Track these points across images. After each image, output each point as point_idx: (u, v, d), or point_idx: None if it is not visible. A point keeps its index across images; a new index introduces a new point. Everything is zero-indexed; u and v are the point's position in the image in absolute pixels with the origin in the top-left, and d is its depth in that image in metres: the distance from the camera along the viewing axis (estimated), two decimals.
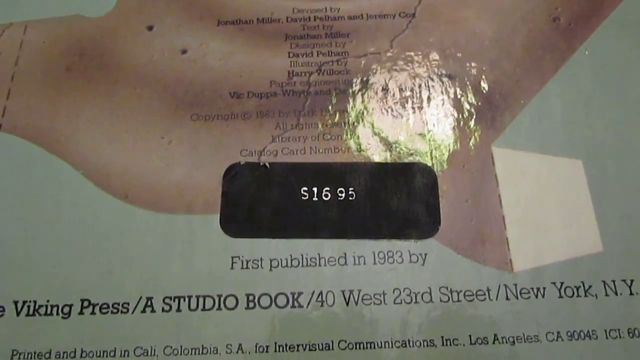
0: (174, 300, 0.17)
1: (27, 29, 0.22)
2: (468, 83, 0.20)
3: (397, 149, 0.19)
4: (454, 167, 0.19)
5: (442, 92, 0.20)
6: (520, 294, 0.17)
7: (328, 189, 0.19)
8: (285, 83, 0.20)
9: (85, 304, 0.17)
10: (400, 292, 0.17)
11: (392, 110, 0.20)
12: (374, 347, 0.17)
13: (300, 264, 0.18)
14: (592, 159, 0.19)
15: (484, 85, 0.20)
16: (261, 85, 0.20)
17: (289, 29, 0.21)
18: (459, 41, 0.21)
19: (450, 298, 0.17)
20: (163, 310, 0.17)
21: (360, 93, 0.20)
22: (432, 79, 0.20)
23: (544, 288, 0.17)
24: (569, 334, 0.17)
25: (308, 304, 0.17)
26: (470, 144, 0.19)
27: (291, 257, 0.18)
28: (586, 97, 0.20)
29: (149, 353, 0.17)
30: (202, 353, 0.17)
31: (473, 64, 0.21)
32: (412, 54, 0.21)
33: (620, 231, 0.18)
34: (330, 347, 0.17)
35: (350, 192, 0.18)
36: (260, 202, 0.18)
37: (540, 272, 0.18)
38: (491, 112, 0.20)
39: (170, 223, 0.18)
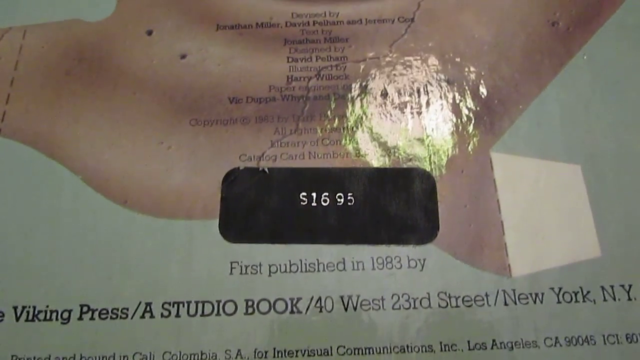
0: (173, 306, 0.17)
1: (27, 34, 0.22)
2: (467, 88, 0.20)
3: (396, 154, 0.19)
4: (452, 173, 0.19)
5: (440, 97, 0.20)
6: (519, 299, 0.17)
7: (327, 194, 0.19)
8: (284, 88, 0.20)
9: (85, 309, 0.17)
10: (398, 298, 0.17)
11: (390, 115, 0.20)
12: (373, 353, 0.17)
13: (299, 270, 0.18)
14: (590, 164, 0.19)
15: (483, 90, 0.20)
16: (260, 90, 0.20)
17: (288, 33, 0.21)
18: (457, 46, 0.21)
19: (449, 303, 0.17)
20: (162, 315, 0.17)
21: (359, 98, 0.20)
22: (431, 84, 0.21)
23: (542, 293, 0.17)
24: (567, 339, 0.17)
25: (307, 309, 0.17)
26: (469, 149, 0.19)
27: (290, 262, 0.18)
28: (585, 102, 0.20)
29: (148, 358, 0.17)
30: (201, 359, 0.17)
31: (472, 69, 0.21)
32: (411, 58, 0.21)
33: (619, 236, 0.18)
34: (329, 353, 0.17)
35: (349, 198, 0.19)
36: (259, 208, 0.18)
37: (538, 277, 0.18)
38: (490, 117, 0.20)
39: (169, 228, 0.18)
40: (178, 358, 0.17)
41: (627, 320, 0.17)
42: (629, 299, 0.17)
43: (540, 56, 0.21)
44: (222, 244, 0.18)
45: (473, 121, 0.20)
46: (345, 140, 0.20)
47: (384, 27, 0.22)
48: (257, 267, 0.18)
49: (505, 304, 0.17)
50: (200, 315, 0.17)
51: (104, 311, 0.17)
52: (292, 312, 0.17)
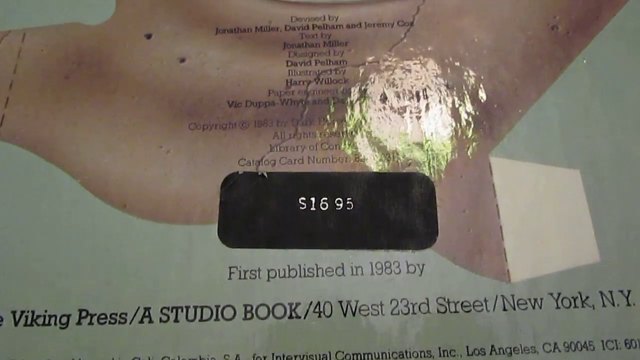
0: (172, 311, 0.17)
1: (26, 37, 0.22)
2: (466, 92, 0.20)
3: (395, 159, 0.19)
4: (451, 177, 0.19)
5: (440, 102, 0.20)
6: (518, 304, 0.17)
7: (326, 199, 0.19)
8: (283, 92, 0.20)
9: (83, 314, 0.17)
10: (397, 303, 0.17)
11: (390, 119, 0.20)
12: (372, 358, 0.17)
13: (298, 275, 0.18)
14: (590, 169, 0.19)
15: (482, 94, 0.20)
16: (259, 94, 0.20)
17: (287, 37, 0.21)
18: (457, 50, 0.21)
19: (448, 309, 0.17)
20: (161, 320, 0.17)
21: (358, 102, 0.20)
22: (430, 88, 0.21)
23: (541, 299, 0.17)
24: (566, 344, 0.17)
25: (306, 314, 0.17)
26: (468, 153, 0.19)
27: (289, 267, 0.18)
28: (584, 107, 0.20)
29: None
30: None
31: (471, 73, 0.21)
32: (411, 62, 0.21)
33: (618, 242, 0.18)
34: (328, 358, 0.17)
35: (348, 202, 0.19)
36: (258, 212, 0.18)
37: (537, 282, 0.18)
38: (489, 122, 0.20)
39: (168, 233, 0.18)
40: None
41: (626, 325, 0.17)
42: (628, 305, 0.17)
43: (539, 60, 0.21)
44: (221, 249, 0.18)
45: (472, 126, 0.20)
46: (345, 144, 0.19)
47: (384, 31, 0.21)
48: (255, 272, 0.18)
49: (504, 309, 0.17)
50: (199, 321, 0.17)
51: (103, 316, 0.17)
52: (290, 317, 0.17)
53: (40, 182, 0.19)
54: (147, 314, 0.17)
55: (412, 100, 0.20)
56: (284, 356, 0.17)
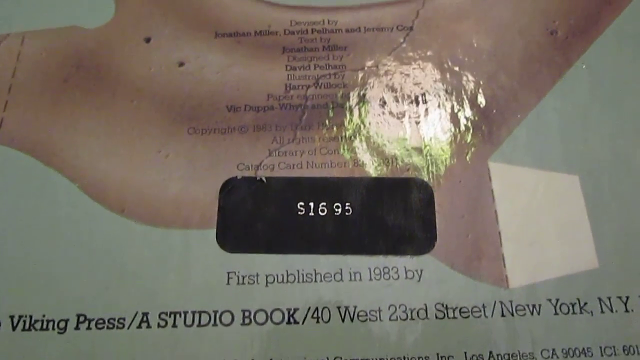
0: (170, 316, 0.17)
1: (25, 40, 0.22)
2: (465, 97, 0.20)
3: (394, 164, 0.19)
4: (450, 182, 0.19)
5: (439, 107, 0.20)
6: (516, 310, 0.17)
7: (324, 204, 0.19)
8: (282, 96, 0.20)
9: (81, 319, 0.17)
10: (395, 309, 0.17)
11: (389, 124, 0.20)
12: None
13: (296, 280, 0.18)
14: (588, 175, 0.19)
15: (481, 99, 0.20)
16: (258, 98, 0.20)
17: (287, 41, 0.21)
18: (456, 55, 0.21)
19: (446, 314, 0.17)
20: (159, 325, 0.17)
21: (357, 107, 0.20)
22: (430, 93, 0.20)
23: (540, 305, 0.17)
24: (564, 351, 0.17)
25: (304, 320, 0.17)
26: (467, 159, 0.19)
27: (287, 272, 0.18)
28: (583, 112, 0.20)
29: None
30: None
31: (470, 78, 0.21)
32: (410, 67, 0.21)
33: (616, 247, 0.18)
34: None
35: (346, 207, 0.19)
36: (257, 217, 0.18)
37: (535, 288, 0.18)
38: (488, 127, 0.20)
39: (166, 238, 0.18)
40: None
41: (624, 332, 0.17)
42: (626, 311, 0.17)
43: (539, 65, 0.21)
44: (219, 254, 0.18)
45: (471, 131, 0.20)
46: (343, 149, 0.19)
47: (383, 36, 0.21)
48: (254, 277, 0.18)
49: (503, 315, 0.17)
50: (197, 326, 0.17)
51: (101, 321, 0.17)
52: (289, 322, 0.17)
53: (39, 186, 0.19)
54: (145, 319, 0.17)
55: (411, 105, 0.20)
56: None
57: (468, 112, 0.20)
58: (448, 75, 0.21)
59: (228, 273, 0.18)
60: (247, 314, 0.17)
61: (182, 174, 0.19)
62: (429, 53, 0.21)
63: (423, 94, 0.20)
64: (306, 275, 0.18)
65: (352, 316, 0.17)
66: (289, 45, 0.21)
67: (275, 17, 0.22)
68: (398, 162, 0.19)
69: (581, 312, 0.17)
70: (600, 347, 0.17)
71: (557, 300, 0.18)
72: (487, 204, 0.19)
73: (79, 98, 0.21)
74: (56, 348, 0.17)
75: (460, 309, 0.17)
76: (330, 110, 0.20)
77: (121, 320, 0.17)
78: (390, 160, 0.19)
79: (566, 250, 0.18)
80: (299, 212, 0.18)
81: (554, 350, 0.17)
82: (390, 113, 0.20)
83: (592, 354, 0.17)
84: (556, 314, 0.17)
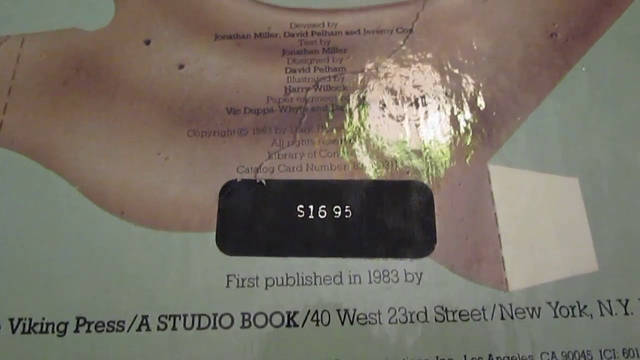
0: (170, 319, 0.17)
1: (24, 42, 0.22)
2: (465, 100, 0.20)
3: (394, 167, 0.19)
4: (450, 185, 0.19)
5: (438, 109, 0.20)
6: (516, 313, 0.17)
7: (324, 206, 0.19)
8: (282, 99, 0.20)
9: (81, 321, 0.17)
10: (395, 312, 0.17)
11: (388, 126, 0.20)
12: None
13: (296, 283, 0.18)
14: (588, 177, 0.19)
15: (481, 102, 0.20)
16: (258, 101, 0.20)
17: (286, 44, 0.21)
18: (456, 57, 0.21)
19: (446, 317, 0.17)
20: (158, 328, 0.17)
21: (357, 109, 0.20)
22: (429, 96, 0.20)
23: (539, 308, 0.17)
24: (563, 354, 0.17)
25: (303, 323, 0.17)
26: (467, 161, 0.19)
27: (287, 275, 0.18)
28: (583, 114, 0.20)
29: None
30: None
31: (470, 80, 0.21)
32: (409, 70, 0.21)
33: (616, 250, 0.18)
34: None
35: (346, 210, 0.19)
36: (256, 220, 0.18)
37: (535, 291, 0.18)
38: (488, 129, 0.20)
39: (166, 240, 0.18)
40: None
41: (624, 335, 0.17)
42: (626, 314, 0.17)
43: (538, 68, 0.21)
44: (219, 257, 0.18)
45: (471, 133, 0.20)
46: (343, 152, 0.19)
47: (383, 38, 0.21)
48: (254, 280, 0.18)
49: (502, 318, 0.17)
50: (197, 329, 0.17)
51: (100, 324, 0.17)
52: (288, 325, 0.17)
53: (39, 188, 0.19)
54: (144, 322, 0.17)
55: (410, 107, 0.20)
56: None
57: (468, 114, 0.20)
58: (448, 78, 0.21)
59: (228, 276, 0.18)
60: (246, 316, 0.17)
61: (181, 176, 0.19)
62: (428, 55, 0.21)
63: (423, 97, 0.20)
64: (306, 278, 0.18)
65: (351, 319, 0.17)
66: (288, 47, 0.21)
67: (275, 20, 0.22)
68: (398, 164, 0.19)
69: (581, 315, 0.17)
70: (600, 350, 0.17)
71: (557, 303, 0.18)
72: (487, 207, 0.19)
73: (78, 100, 0.20)
74: (56, 351, 0.17)
75: (460, 311, 0.17)
76: (330, 113, 0.20)
77: (121, 323, 0.17)
78: (389, 162, 0.19)
79: (566, 253, 0.18)
80: (299, 215, 0.18)
81: (553, 353, 0.17)
82: (390, 115, 0.20)
83: (591, 357, 0.17)
84: (556, 316, 0.17)
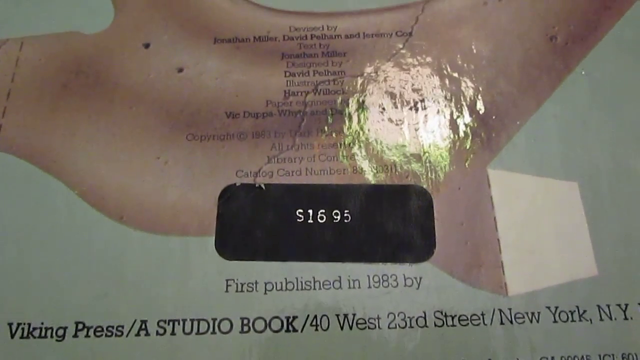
0: (169, 324, 0.17)
1: (24, 46, 0.22)
2: (464, 103, 0.20)
3: (393, 171, 0.19)
4: (449, 190, 0.19)
5: (438, 113, 0.20)
6: (515, 318, 0.17)
7: (323, 211, 0.19)
8: (281, 103, 0.20)
9: (80, 326, 0.17)
10: (394, 316, 0.17)
11: (388, 130, 0.20)
12: None
13: (295, 287, 0.18)
14: (588, 182, 0.19)
15: (480, 105, 0.20)
16: (257, 105, 0.20)
17: (286, 47, 0.21)
18: (455, 61, 0.21)
19: (445, 322, 0.17)
20: (157, 333, 0.17)
21: (356, 113, 0.20)
22: (429, 99, 0.20)
23: (539, 312, 0.17)
24: (563, 359, 0.17)
25: (303, 327, 0.17)
26: (466, 165, 0.19)
27: (286, 280, 0.18)
28: (583, 118, 0.20)
29: None
30: None
31: (470, 84, 0.21)
32: (409, 73, 0.21)
33: (616, 255, 0.18)
34: None
35: (345, 215, 0.18)
36: (256, 224, 0.18)
37: (535, 296, 0.18)
38: (487, 133, 0.20)
39: (165, 245, 0.18)
40: None
41: (623, 339, 0.17)
42: (625, 319, 0.17)
43: (538, 71, 0.21)
44: (218, 261, 0.18)
45: (470, 137, 0.20)
46: (342, 156, 0.19)
47: (382, 42, 0.21)
48: (253, 284, 0.18)
49: (502, 323, 0.17)
50: (196, 334, 0.17)
51: (99, 329, 0.17)
52: (287, 330, 0.17)
53: (37, 192, 0.19)
54: (143, 326, 0.17)
55: (410, 111, 0.20)
56: None
57: (467, 118, 0.20)
58: (447, 82, 0.21)
59: (227, 280, 0.18)
60: (245, 321, 0.17)
61: (181, 180, 0.19)
62: (428, 59, 0.21)
63: (422, 100, 0.20)
64: (305, 283, 0.18)
65: (351, 324, 0.17)
66: (288, 51, 0.21)
67: (274, 23, 0.22)
68: (397, 168, 0.19)
69: (580, 320, 0.17)
70: (600, 355, 0.17)
71: (557, 308, 0.18)
72: (487, 211, 0.19)
73: (77, 104, 0.20)
74: (54, 356, 0.17)
75: (459, 316, 0.17)
76: (329, 117, 0.20)
77: (120, 328, 0.17)
78: (389, 167, 0.19)
79: (565, 258, 0.18)
80: (298, 219, 0.18)
81: (553, 358, 0.17)
82: (390, 119, 0.20)
83: None
84: (555, 321, 0.17)
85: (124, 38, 0.22)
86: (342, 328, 0.17)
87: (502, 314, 0.17)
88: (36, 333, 0.17)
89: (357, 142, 0.20)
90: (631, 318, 0.17)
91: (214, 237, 0.18)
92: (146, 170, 0.19)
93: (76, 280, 0.18)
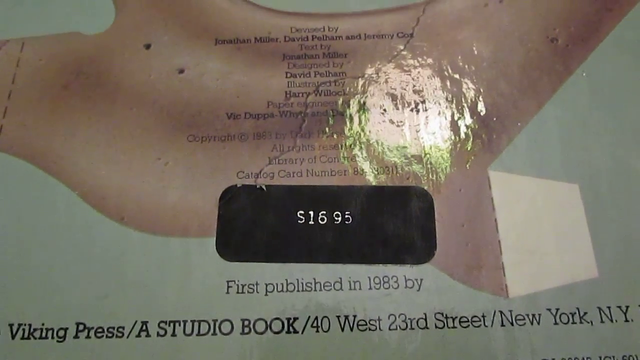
0: (169, 325, 0.17)
1: (24, 46, 0.22)
2: (465, 105, 0.20)
3: (394, 172, 0.19)
4: (450, 191, 0.19)
5: (439, 114, 0.20)
6: (516, 320, 0.17)
7: (324, 212, 0.19)
8: (282, 104, 0.20)
9: (81, 327, 0.17)
10: (395, 318, 0.17)
11: (389, 132, 0.20)
12: None
13: (296, 289, 0.18)
14: (589, 183, 0.19)
15: (481, 107, 0.20)
16: (258, 106, 0.20)
17: (287, 48, 0.21)
18: (456, 62, 0.21)
19: (446, 324, 0.17)
20: (158, 334, 0.17)
21: (357, 114, 0.20)
22: (430, 101, 0.20)
23: (539, 314, 0.17)
24: None
25: (303, 329, 0.17)
26: (467, 167, 0.19)
27: (287, 281, 0.18)
28: (583, 120, 0.20)
29: None
30: None
31: (470, 86, 0.21)
32: (410, 75, 0.21)
33: (616, 257, 0.18)
34: None
35: (346, 216, 0.18)
36: (257, 226, 0.18)
37: (535, 298, 0.18)
38: (488, 135, 0.20)
39: (166, 246, 0.18)
40: None
41: (624, 341, 0.17)
42: (626, 321, 0.17)
43: (539, 73, 0.21)
44: (219, 263, 0.18)
45: (471, 139, 0.20)
46: (343, 157, 0.19)
47: (383, 43, 0.21)
48: (253, 286, 0.18)
49: (502, 324, 0.17)
50: (197, 335, 0.17)
51: (100, 330, 0.17)
52: (288, 332, 0.17)
53: (38, 193, 0.19)
54: (144, 328, 0.17)
55: (411, 112, 0.20)
56: None
57: (468, 120, 0.20)
58: (448, 83, 0.21)
59: (227, 282, 0.18)
60: (246, 323, 0.17)
61: (181, 181, 0.19)
62: (429, 60, 0.21)
63: (423, 102, 0.20)
64: (306, 284, 0.18)
65: (351, 325, 0.17)
66: (289, 52, 0.21)
67: (275, 24, 0.22)
68: (398, 170, 0.19)
69: (581, 322, 0.17)
70: (600, 357, 0.17)
71: (557, 309, 0.18)
72: (487, 213, 0.19)
73: (78, 105, 0.20)
74: (55, 356, 0.17)
75: (460, 318, 0.17)
76: (330, 118, 0.20)
77: (120, 329, 0.17)
78: (390, 168, 0.19)
79: (566, 259, 0.18)
80: (299, 221, 0.18)
81: (553, 359, 0.17)
82: (391, 121, 0.20)
83: None
84: (556, 323, 0.17)
85: (125, 39, 0.22)
86: (342, 329, 0.17)
87: (502, 315, 0.17)
88: (37, 334, 0.17)
89: (358, 143, 0.20)
90: (632, 320, 0.17)
91: (214, 238, 0.18)
92: (147, 171, 0.19)
93: (77, 281, 0.18)
